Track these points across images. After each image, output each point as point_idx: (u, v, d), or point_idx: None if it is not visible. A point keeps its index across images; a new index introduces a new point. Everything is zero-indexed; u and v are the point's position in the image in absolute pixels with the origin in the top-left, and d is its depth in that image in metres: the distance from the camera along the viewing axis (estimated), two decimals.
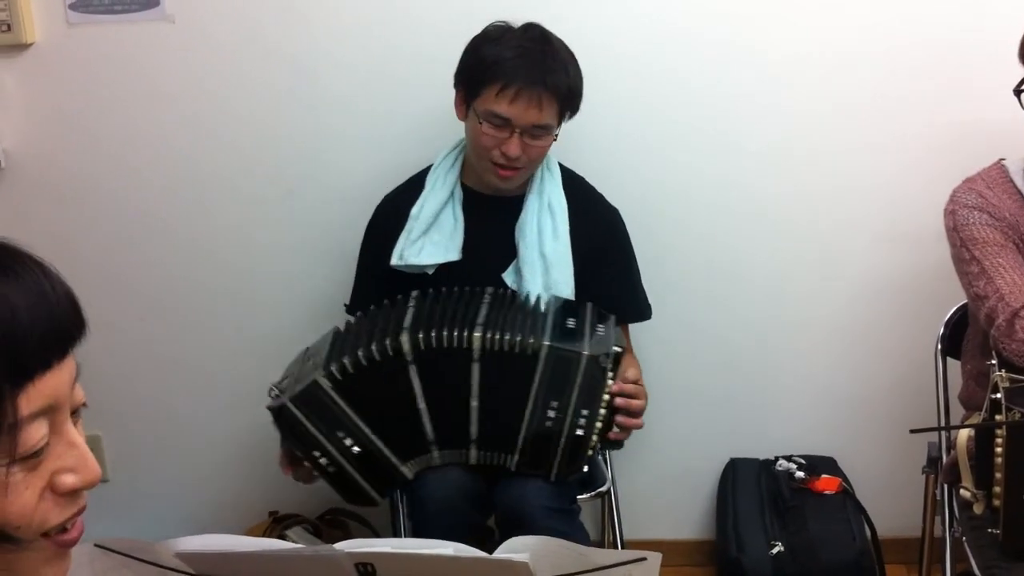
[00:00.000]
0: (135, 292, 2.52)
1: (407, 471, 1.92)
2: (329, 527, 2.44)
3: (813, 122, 2.35)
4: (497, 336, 1.85)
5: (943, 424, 2.08)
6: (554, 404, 1.84)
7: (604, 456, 2.32)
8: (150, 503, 2.60)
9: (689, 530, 2.64)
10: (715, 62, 2.33)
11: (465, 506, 1.93)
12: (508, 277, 2.07)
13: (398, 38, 2.34)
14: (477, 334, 1.85)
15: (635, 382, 1.92)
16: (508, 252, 2.08)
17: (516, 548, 1.44)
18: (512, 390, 1.86)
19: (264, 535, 2.24)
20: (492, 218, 2.09)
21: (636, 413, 1.90)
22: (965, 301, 2.06)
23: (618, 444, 1.97)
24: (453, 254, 2.05)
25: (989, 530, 1.70)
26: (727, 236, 2.44)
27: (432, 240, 2.05)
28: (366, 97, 2.38)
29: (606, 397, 1.85)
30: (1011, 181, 1.86)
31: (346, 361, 1.87)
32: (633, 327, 2.22)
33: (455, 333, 1.86)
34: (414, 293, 2.00)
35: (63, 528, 0.84)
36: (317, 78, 2.38)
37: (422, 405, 1.88)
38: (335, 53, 2.36)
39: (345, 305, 2.23)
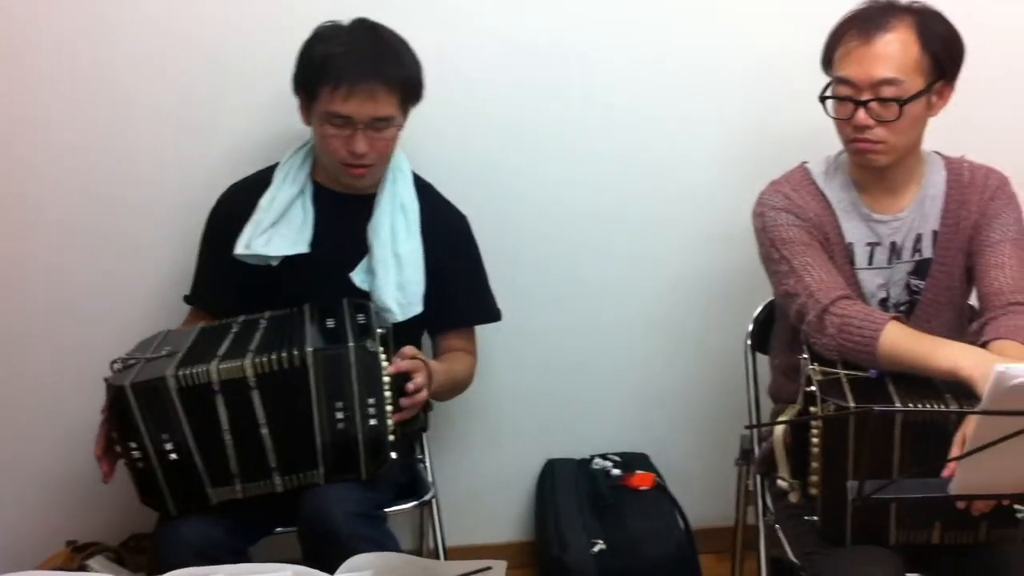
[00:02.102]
0: None
1: (212, 496, 1.86)
2: (132, 553, 2.28)
3: (629, 131, 2.41)
4: (264, 359, 1.80)
5: (756, 419, 2.17)
6: (339, 405, 1.82)
7: (425, 463, 2.28)
8: None
9: (509, 533, 2.64)
10: (553, 76, 2.36)
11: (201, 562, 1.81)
12: (357, 276, 2.07)
13: (220, 35, 2.25)
14: (247, 361, 1.80)
15: (413, 357, 1.93)
16: (357, 250, 2.08)
17: (358, 566, 1.40)
18: (295, 406, 1.82)
19: (63, 566, 2.07)
20: (343, 215, 2.09)
21: (418, 388, 1.90)
22: (771, 299, 2.16)
23: (418, 423, 1.99)
24: (301, 247, 2.05)
25: (805, 517, 1.77)
26: (550, 241, 2.46)
27: (280, 232, 2.04)
28: (185, 100, 2.28)
29: (387, 379, 1.85)
30: (814, 183, 1.96)
31: (195, 371, 1.80)
32: None
33: (226, 365, 1.81)
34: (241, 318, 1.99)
35: None
36: (129, 84, 2.25)
37: (228, 438, 1.83)
38: (157, 55, 2.24)
39: (185, 296, 2.17)
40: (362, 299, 2.01)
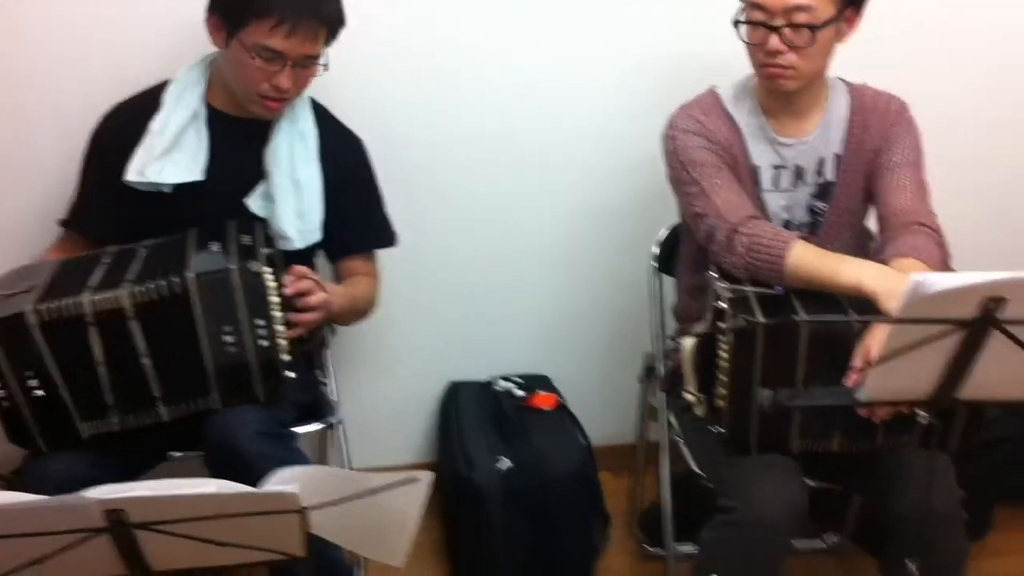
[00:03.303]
0: None
1: (83, 430, 1.81)
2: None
3: (532, 56, 2.39)
4: (142, 288, 1.75)
5: (661, 339, 2.22)
6: (227, 329, 1.78)
7: (329, 385, 2.27)
8: None
9: (412, 454, 2.66)
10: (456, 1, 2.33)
11: None
12: (254, 202, 2.01)
13: None
14: (123, 292, 1.75)
15: (303, 277, 1.91)
16: (254, 176, 2.02)
17: (285, 480, 1.38)
18: (179, 334, 1.77)
19: None
20: (238, 141, 2.02)
21: (313, 307, 1.89)
22: (676, 221, 2.20)
23: (315, 340, 1.98)
24: (196, 174, 1.97)
25: (712, 429, 1.84)
26: (455, 165, 2.44)
27: (174, 159, 1.96)
28: (61, 17, 2.14)
29: (275, 299, 1.82)
30: (723, 108, 1.99)
31: (63, 304, 1.73)
32: None
33: (101, 296, 1.74)
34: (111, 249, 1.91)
35: None
36: None
37: (102, 370, 1.77)
38: None
39: (61, 220, 2.07)
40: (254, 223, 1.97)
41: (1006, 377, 1.46)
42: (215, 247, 1.85)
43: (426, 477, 1.44)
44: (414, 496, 1.46)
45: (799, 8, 1.82)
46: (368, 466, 2.46)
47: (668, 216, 2.23)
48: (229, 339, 1.78)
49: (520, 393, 2.51)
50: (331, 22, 1.92)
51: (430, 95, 2.38)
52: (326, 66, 1.96)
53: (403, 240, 2.23)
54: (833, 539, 2.38)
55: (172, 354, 1.78)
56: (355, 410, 2.45)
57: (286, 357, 1.83)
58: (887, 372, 1.42)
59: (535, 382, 2.58)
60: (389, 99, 2.34)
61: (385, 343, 2.54)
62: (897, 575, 1.75)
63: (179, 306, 1.75)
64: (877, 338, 1.58)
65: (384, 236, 2.20)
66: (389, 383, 2.59)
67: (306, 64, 1.92)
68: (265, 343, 1.79)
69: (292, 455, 1.87)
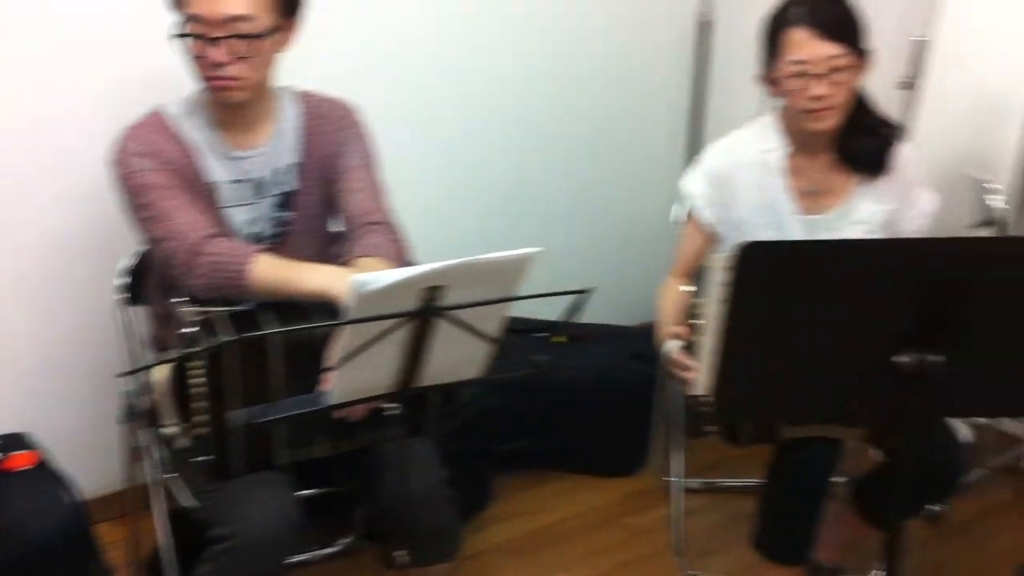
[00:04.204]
0: None
1: None
2: None
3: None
4: None
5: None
6: None
7: None
8: None
9: None
10: None
11: None
12: None
13: None
14: None
15: None
16: None
17: None
18: None
19: None
20: None
21: None
22: (139, 249, 2.09)
23: None
24: None
25: (199, 459, 1.76)
26: None
27: None
28: None
29: None
30: (171, 125, 1.91)
31: None
32: None
33: None
34: None
35: None
36: None
37: None
38: None
39: None
40: None
41: (459, 359, 1.55)
42: None
43: None
44: None
45: (238, 18, 1.78)
46: None
47: (133, 244, 2.11)
48: None
49: None
50: None
51: None
52: None
53: None
54: (346, 541, 2.41)
55: None
56: None
57: None
58: (351, 371, 1.45)
59: (10, 442, 2.31)
60: None
61: None
62: (392, 564, 1.80)
63: None
64: (340, 340, 1.61)
65: None
66: None
67: None
68: None
69: None
